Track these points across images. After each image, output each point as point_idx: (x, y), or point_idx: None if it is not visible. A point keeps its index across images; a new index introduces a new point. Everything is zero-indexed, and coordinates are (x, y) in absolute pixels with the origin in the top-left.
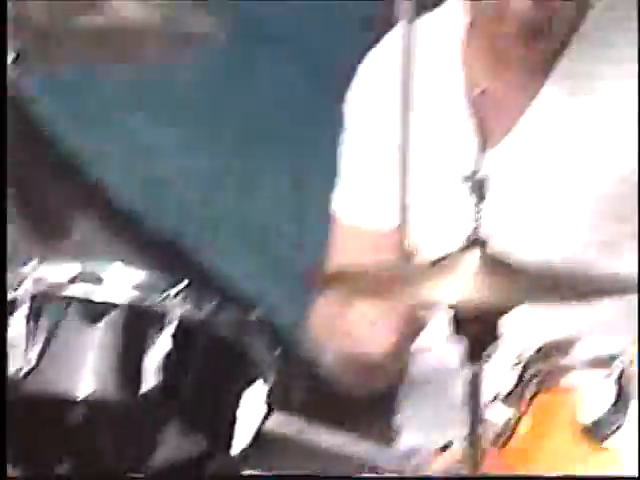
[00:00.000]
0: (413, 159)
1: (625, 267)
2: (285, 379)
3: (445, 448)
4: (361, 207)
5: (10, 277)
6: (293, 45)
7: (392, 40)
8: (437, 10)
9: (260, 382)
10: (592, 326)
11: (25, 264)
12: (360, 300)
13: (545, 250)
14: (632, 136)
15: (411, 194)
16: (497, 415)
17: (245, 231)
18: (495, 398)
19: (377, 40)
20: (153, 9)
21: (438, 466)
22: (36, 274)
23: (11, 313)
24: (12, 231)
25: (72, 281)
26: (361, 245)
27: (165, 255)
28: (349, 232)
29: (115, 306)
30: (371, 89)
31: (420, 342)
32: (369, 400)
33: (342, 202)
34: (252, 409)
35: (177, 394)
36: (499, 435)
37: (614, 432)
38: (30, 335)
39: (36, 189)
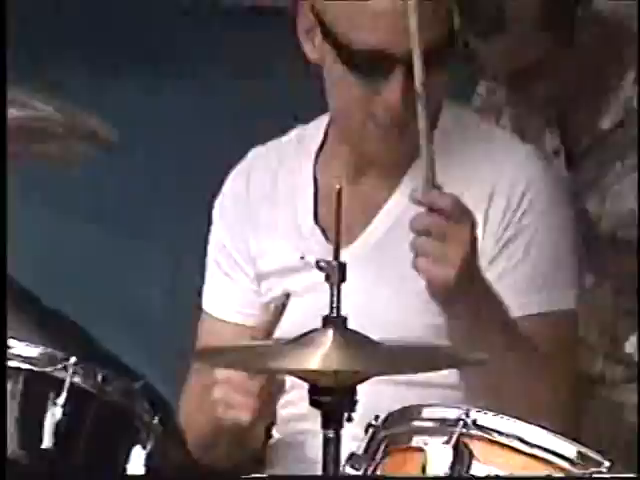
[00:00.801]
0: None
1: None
2: (162, 445)
3: None
4: (226, 304)
5: None
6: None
7: (253, 157)
8: (296, 130)
9: (139, 447)
10: (434, 397)
11: None
12: (228, 369)
13: (395, 328)
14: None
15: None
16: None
17: (127, 315)
18: (351, 456)
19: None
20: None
21: None
22: None
23: None
24: None
25: None
26: (225, 337)
27: (59, 333)
28: (215, 324)
29: (17, 372)
30: (232, 201)
31: (283, 409)
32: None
33: (208, 298)
34: (136, 464)
35: (71, 452)
36: None
37: None
38: None
39: None
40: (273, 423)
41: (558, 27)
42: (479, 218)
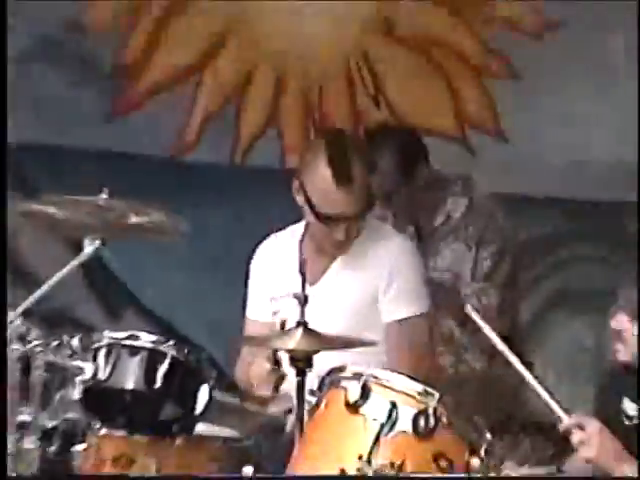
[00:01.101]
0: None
1: (370, 336)
2: (217, 385)
3: (290, 411)
4: (257, 313)
5: (97, 336)
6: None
7: (269, 240)
8: (293, 226)
9: (205, 385)
10: (352, 360)
11: (103, 332)
12: (257, 348)
13: (341, 326)
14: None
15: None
16: (313, 400)
17: (201, 319)
18: (311, 390)
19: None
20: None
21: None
22: (109, 336)
23: (97, 354)
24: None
25: (124, 339)
26: (255, 328)
27: (165, 329)
28: (251, 322)
29: (143, 349)
30: (259, 263)
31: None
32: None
33: (250, 311)
34: (203, 395)
35: (169, 389)
36: (310, 409)
37: (362, 405)
38: (106, 363)
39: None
40: (283, 377)
41: (409, 169)
42: (380, 280)
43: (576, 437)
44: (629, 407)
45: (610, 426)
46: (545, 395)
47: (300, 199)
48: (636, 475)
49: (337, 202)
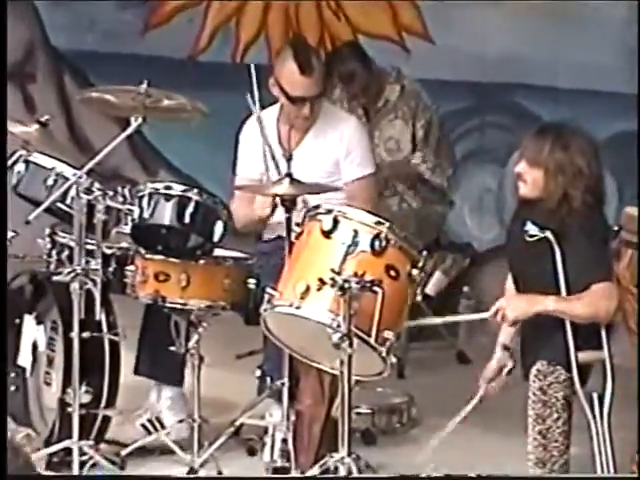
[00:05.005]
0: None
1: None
2: (228, 221)
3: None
4: (244, 171)
5: (141, 187)
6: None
7: (253, 118)
8: (270, 108)
9: (220, 221)
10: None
11: (146, 184)
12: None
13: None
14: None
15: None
16: (298, 229)
17: (214, 174)
18: (296, 224)
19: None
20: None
21: None
22: (150, 186)
23: (141, 200)
24: (140, 174)
25: (161, 188)
26: (242, 182)
27: (188, 181)
28: (239, 178)
29: (175, 196)
30: (245, 136)
31: None
32: None
33: (239, 170)
34: (219, 228)
35: (194, 225)
36: (296, 236)
37: (333, 232)
38: (148, 206)
39: None
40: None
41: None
42: (341, 148)
43: (499, 317)
44: (531, 228)
45: (516, 244)
46: None
47: (275, 90)
48: None
49: (301, 86)
